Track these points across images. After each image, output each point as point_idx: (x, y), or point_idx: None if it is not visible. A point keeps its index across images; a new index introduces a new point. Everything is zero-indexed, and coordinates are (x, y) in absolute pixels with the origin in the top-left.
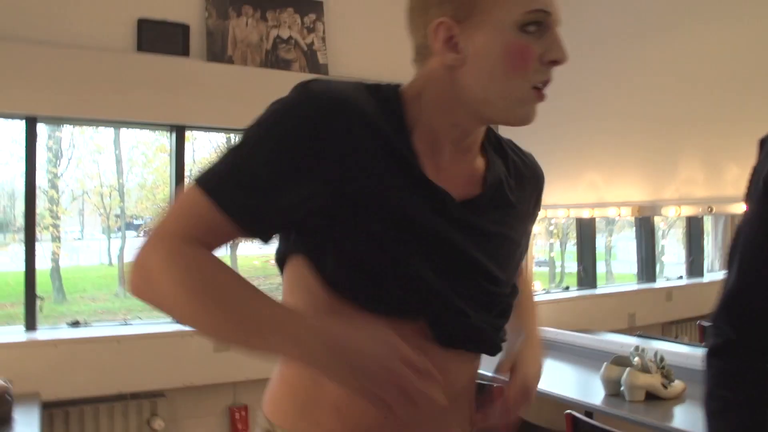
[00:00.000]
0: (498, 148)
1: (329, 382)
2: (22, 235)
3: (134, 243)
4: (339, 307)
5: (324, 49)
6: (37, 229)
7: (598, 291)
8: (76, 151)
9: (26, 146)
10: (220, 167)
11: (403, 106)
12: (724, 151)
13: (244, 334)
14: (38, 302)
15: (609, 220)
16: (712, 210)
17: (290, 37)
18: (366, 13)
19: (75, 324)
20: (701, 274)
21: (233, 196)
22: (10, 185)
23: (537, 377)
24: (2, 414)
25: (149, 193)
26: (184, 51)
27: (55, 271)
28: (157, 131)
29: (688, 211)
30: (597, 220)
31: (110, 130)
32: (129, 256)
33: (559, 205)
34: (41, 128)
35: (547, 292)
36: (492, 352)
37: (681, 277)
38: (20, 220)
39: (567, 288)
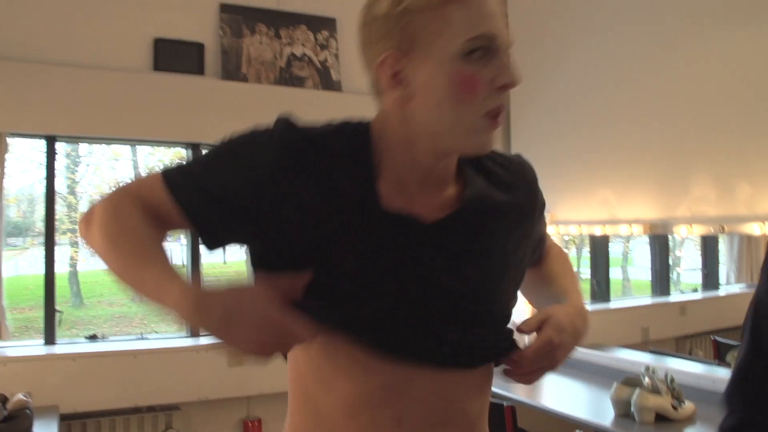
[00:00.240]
0: (476, 164)
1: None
2: (40, 239)
3: None
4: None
5: (337, 66)
6: (56, 234)
7: (612, 305)
8: (94, 158)
9: (46, 163)
10: (187, 166)
11: (370, 144)
12: (736, 169)
13: (135, 283)
14: (57, 316)
15: None
16: (724, 229)
17: (304, 55)
18: None
19: (93, 338)
20: (716, 287)
21: (189, 194)
22: (29, 191)
23: (568, 335)
24: (23, 429)
25: None
26: (200, 69)
27: (73, 276)
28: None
29: (699, 230)
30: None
31: None
32: None
33: (572, 221)
34: (60, 143)
35: None
36: (477, 363)
37: (696, 290)
38: (39, 225)
39: None
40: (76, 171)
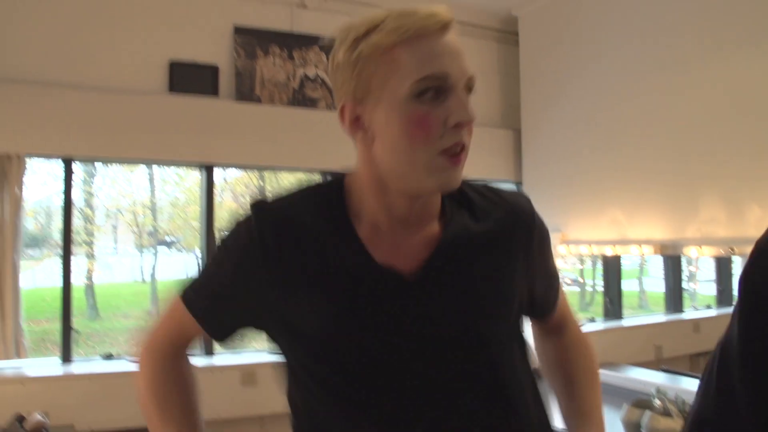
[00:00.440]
0: (464, 201)
1: None
2: (57, 251)
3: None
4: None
5: None
6: (72, 246)
7: (624, 323)
8: (110, 171)
9: (64, 184)
10: (197, 280)
11: (344, 200)
12: (746, 191)
13: None
14: (74, 334)
15: None
16: (734, 251)
17: (317, 76)
18: None
19: (108, 356)
20: (731, 304)
21: (196, 301)
22: (46, 203)
23: None
24: None
25: (181, 212)
26: (214, 91)
27: (89, 289)
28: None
29: (709, 251)
30: None
31: None
32: (161, 274)
33: (582, 240)
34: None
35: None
36: (472, 408)
37: (710, 307)
38: (56, 237)
39: (593, 319)
40: (92, 184)
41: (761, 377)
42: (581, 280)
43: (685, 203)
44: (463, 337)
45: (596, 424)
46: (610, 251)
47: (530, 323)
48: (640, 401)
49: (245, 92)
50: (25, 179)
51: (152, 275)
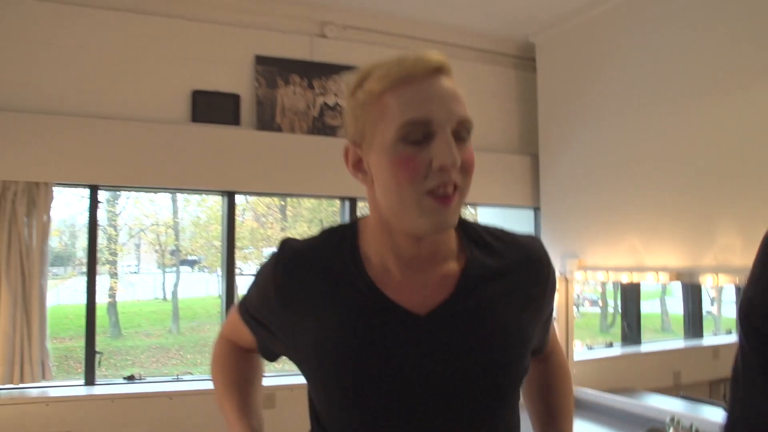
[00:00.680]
0: (480, 242)
1: None
2: (81, 269)
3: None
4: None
5: None
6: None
7: (643, 348)
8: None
9: (89, 210)
10: (245, 296)
11: (357, 241)
12: (761, 220)
13: (221, 408)
14: (97, 357)
15: None
16: None
17: (336, 104)
18: None
19: (130, 378)
20: None
21: (248, 320)
22: (71, 221)
23: None
24: None
25: (203, 231)
26: (235, 120)
27: (112, 307)
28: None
29: (725, 279)
30: None
31: None
32: (182, 293)
33: (600, 267)
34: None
35: (590, 349)
36: None
37: (730, 332)
38: (80, 255)
39: (610, 344)
40: (116, 204)
41: None
42: (601, 304)
43: (701, 231)
44: (475, 385)
45: None
46: (626, 278)
47: None
48: (655, 429)
49: (266, 121)
50: (52, 205)
51: (174, 294)
